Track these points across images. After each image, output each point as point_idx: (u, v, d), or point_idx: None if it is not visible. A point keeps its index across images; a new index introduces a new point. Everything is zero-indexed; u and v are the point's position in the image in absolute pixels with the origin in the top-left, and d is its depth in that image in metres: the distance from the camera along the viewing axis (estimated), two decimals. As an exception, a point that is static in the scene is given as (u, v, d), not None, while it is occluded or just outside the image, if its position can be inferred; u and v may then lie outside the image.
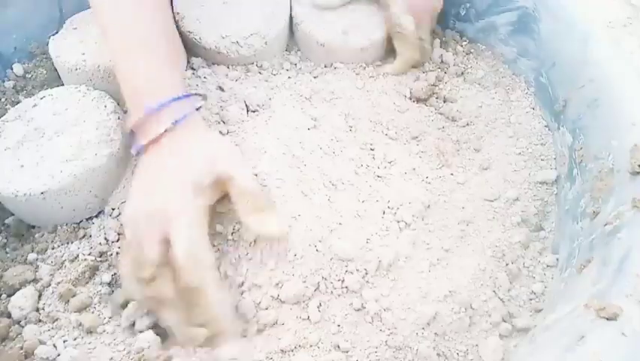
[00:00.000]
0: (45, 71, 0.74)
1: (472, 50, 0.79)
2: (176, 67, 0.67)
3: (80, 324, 0.53)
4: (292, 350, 0.51)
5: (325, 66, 0.75)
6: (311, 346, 0.51)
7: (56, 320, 0.54)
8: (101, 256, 0.58)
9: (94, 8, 0.61)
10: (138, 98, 0.55)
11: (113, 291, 0.57)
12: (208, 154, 0.54)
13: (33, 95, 0.68)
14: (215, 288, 0.51)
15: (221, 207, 0.56)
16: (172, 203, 0.51)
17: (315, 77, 0.73)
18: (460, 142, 0.69)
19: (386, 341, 0.51)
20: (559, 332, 0.45)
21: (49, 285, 0.56)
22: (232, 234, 0.56)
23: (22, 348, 0.51)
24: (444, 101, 0.73)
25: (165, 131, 0.53)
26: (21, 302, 0.54)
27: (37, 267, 0.58)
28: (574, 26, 0.64)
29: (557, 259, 0.57)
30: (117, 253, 0.58)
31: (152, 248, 0.50)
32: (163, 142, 0.54)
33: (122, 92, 0.57)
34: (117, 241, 0.59)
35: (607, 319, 0.41)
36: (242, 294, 0.54)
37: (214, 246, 0.55)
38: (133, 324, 0.54)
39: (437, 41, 0.79)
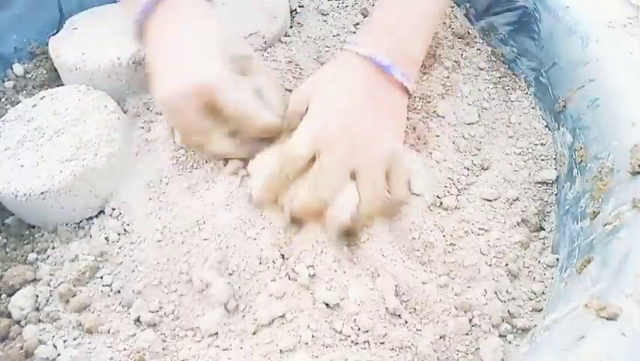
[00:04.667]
0: (45, 71, 0.74)
1: (472, 50, 0.79)
2: None
3: (80, 324, 0.53)
4: (291, 350, 0.51)
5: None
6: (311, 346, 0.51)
7: (56, 319, 0.54)
8: (101, 256, 0.58)
9: None
10: None
11: (112, 289, 0.56)
12: None
13: (33, 95, 0.68)
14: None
15: None
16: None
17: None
18: (460, 142, 0.68)
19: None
20: (559, 332, 0.45)
21: (49, 285, 0.56)
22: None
23: (22, 348, 0.51)
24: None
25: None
26: (21, 302, 0.54)
27: (37, 267, 0.58)
28: (574, 26, 0.64)
29: (557, 259, 0.57)
30: (117, 253, 0.58)
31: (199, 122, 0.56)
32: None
33: None
34: (117, 241, 0.59)
35: (607, 319, 0.41)
36: None
37: None
38: (138, 318, 0.54)
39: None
